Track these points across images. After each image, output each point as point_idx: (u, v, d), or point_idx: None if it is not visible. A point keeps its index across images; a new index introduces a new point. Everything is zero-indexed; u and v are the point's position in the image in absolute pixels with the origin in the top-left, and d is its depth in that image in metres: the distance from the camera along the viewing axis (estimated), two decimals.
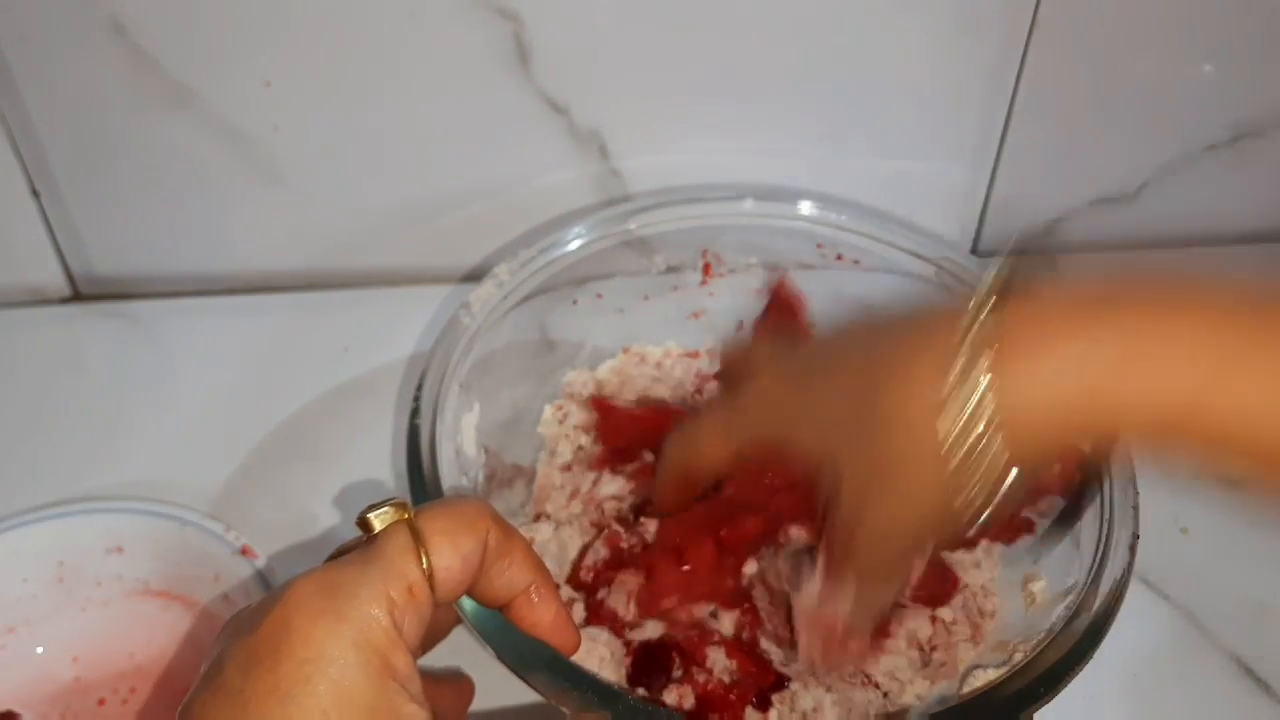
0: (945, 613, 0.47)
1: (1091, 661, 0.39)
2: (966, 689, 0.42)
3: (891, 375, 0.36)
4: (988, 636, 0.46)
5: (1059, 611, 0.42)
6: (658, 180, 0.64)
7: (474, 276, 0.66)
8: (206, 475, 0.56)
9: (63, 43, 0.56)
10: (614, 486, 0.51)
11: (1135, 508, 0.43)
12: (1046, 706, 0.38)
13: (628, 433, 0.53)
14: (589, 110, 0.61)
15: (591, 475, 0.52)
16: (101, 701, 0.46)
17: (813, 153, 0.64)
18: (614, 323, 0.58)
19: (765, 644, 0.45)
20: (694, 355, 0.58)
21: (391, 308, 0.65)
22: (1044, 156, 0.65)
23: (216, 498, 0.55)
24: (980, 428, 0.33)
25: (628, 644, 0.45)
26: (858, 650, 0.42)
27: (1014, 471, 0.34)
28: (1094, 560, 0.42)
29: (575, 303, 0.56)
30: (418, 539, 0.32)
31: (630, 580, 0.45)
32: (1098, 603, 0.40)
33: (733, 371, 0.44)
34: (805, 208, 0.56)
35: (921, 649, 0.46)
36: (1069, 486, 0.46)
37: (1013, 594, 0.47)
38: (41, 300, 0.66)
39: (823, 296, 0.57)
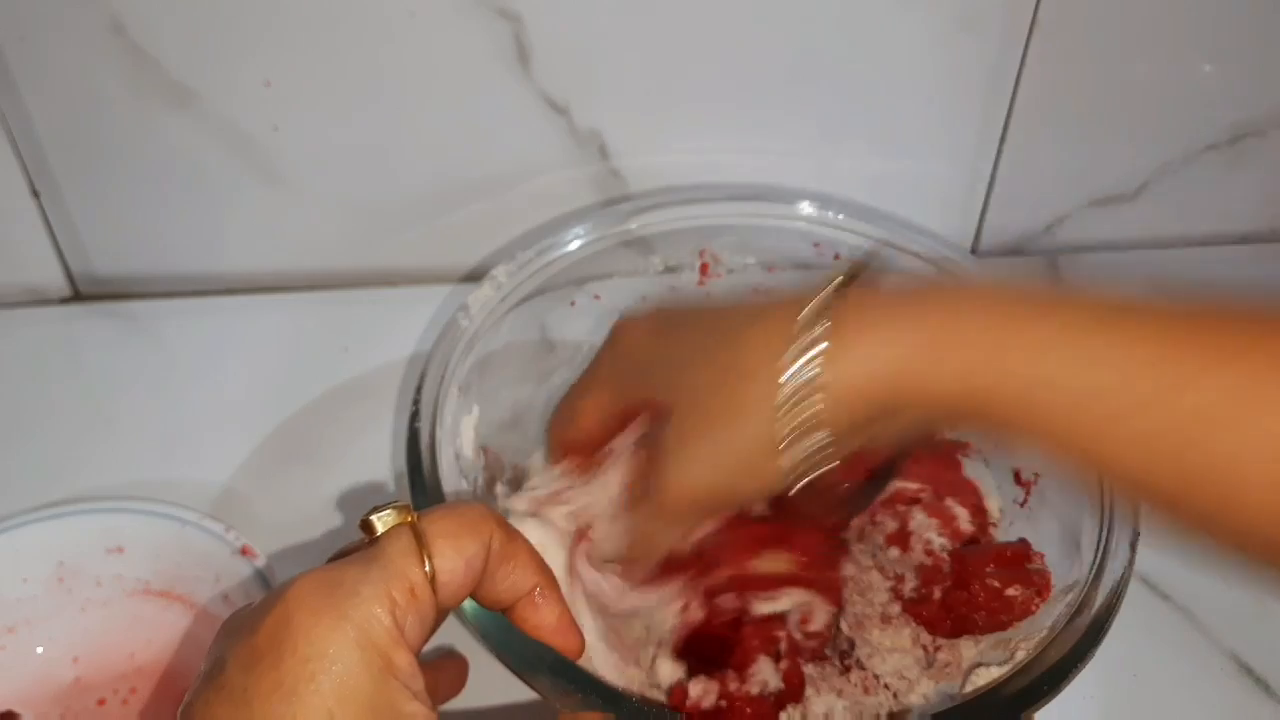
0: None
1: (1092, 661, 0.39)
2: (969, 688, 0.42)
3: (738, 332, 0.39)
4: (989, 634, 0.46)
5: (1060, 610, 0.42)
6: (658, 180, 0.64)
7: (474, 276, 0.66)
8: (206, 475, 0.56)
9: (63, 43, 0.56)
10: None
11: (1136, 507, 0.43)
12: (1047, 706, 0.38)
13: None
14: (589, 110, 0.61)
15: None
16: (101, 701, 0.46)
17: (813, 153, 0.64)
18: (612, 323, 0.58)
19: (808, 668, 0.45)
20: None
21: (391, 308, 0.65)
22: (1044, 156, 0.65)
23: (216, 498, 0.55)
24: (803, 390, 0.36)
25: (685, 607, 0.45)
26: (630, 578, 0.44)
27: (824, 433, 0.37)
28: (1095, 559, 0.42)
29: (573, 304, 0.56)
30: (420, 541, 0.32)
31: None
32: (1099, 601, 0.41)
33: (619, 338, 0.45)
34: (803, 207, 0.56)
35: (926, 649, 0.46)
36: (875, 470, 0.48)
37: None
38: (41, 300, 0.65)
39: None
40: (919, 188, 0.66)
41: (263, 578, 0.45)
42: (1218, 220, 0.70)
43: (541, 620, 0.36)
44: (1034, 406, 0.34)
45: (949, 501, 0.51)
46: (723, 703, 0.42)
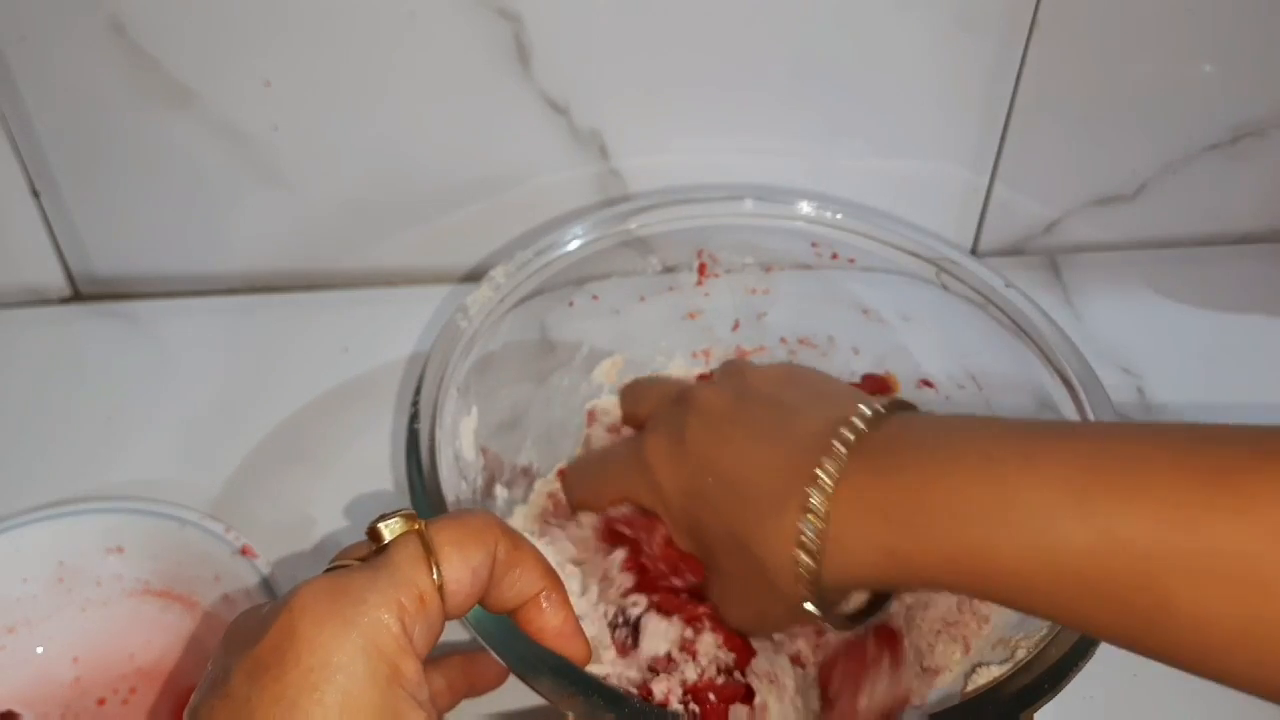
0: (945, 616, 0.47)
1: (1092, 661, 0.39)
2: (969, 687, 0.42)
3: (759, 524, 0.39)
4: (984, 638, 0.46)
5: None
6: (658, 180, 0.64)
7: (474, 276, 0.66)
8: (206, 475, 0.56)
9: (63, 43, 0.56)
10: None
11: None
12: (1047, 706, 0.38)
13: None
14: (589, 110, 0.61)
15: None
16: (101, 701, 0.46)
17: (813, 153, 0.64)
18: (610, 324, 0.57)
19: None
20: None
21: (391, 308, 0.65)
22: (1044, 156, 0.65)
23: (216, 498, 0.55)
24: (811, 560, 0.37)
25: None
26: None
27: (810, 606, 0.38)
28: None
29: (571, 304, 0.56)
30: (429, 549, 0.32)
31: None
32: None
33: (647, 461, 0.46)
34: (802, 207, 0.56)
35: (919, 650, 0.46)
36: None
37: None
38: (41, 300, 0.66)
39: (820, 297, 0.57)
40: (919, 187, 0.66)
41: (263, 578, 0.46)
42: (1218, 220, 0.70)
43: (546, 624, 0.36)
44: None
45: None
46: (689, 697, 0.43)
